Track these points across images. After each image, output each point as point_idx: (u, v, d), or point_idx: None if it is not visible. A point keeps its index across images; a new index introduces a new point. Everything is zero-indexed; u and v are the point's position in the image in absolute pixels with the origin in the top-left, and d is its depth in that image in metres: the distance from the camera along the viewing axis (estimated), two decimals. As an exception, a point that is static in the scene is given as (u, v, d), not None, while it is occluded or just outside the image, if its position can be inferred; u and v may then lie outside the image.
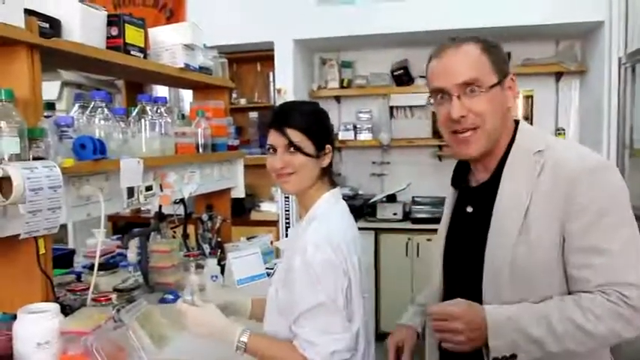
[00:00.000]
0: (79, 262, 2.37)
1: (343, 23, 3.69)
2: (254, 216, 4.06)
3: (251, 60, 4.30)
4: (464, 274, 1.23)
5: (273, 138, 1.38)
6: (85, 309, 1.52)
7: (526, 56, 3.87)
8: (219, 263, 2.21)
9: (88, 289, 1.63)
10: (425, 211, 3.80)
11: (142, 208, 4.24)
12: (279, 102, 3.86)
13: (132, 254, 1.97)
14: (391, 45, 4.08)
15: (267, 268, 2.32)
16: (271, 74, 4.24)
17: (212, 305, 1.38)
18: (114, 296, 1.55)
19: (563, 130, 3.86)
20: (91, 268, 1.96)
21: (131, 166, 1.69)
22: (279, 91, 3.84)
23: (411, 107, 4.09)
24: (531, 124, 3.70)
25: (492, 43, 1.17)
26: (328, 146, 1.40)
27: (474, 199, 1.24)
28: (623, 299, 1.04)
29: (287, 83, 3.85)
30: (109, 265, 1.87)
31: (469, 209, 1.25)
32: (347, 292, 1.28)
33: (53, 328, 1.37)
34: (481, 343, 1.10)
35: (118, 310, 1.52)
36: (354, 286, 1.31)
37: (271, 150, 1.40)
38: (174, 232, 2.41)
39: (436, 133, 4.01)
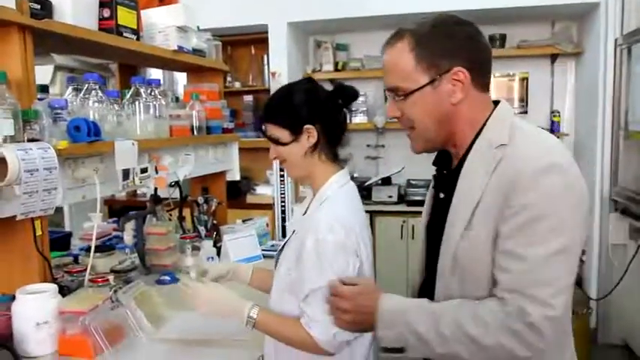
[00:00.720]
0: (75, 244, 2.38)
1: (338, 5, 3.67)
2: (250, 199, 4.07)
3: (245, 43, 4.27)
4: (433, 261, 1.19)
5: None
6: (82, 290, 1.53)
7: (522, 38, 3.86)
8: (215, 245, 2.23)
9: (85, 270, 1.64)
10: (420, 194, 3.82)
11: (138, 192, 4.26)
12: (273, 85, 3.85)
13: (128, 236, 1.99)
14: (386, 27, 4.00)
15: (262, 250, 2.34)
16: (266, 57, 4.22)
17: (218, 284, 1.41)
18: (111, 277, 1.56)
19: (559, 112, 3.87)
20: (88, 250, 1.97)
21: (126, 147, 1.69)
22: (273, 74, 3.83)
23: (406, 90, 4.08)
24: (526, 106, 3.76)
25: (426, 36, 1.06)
26: (307, 126, 1.38)
27: (446, 185, 1.18)
28: (522, 314, 0.95)
29: (281, 66, 3.84)
30: (106, 247, 1.88)
31: (441, 195, 1.20)
32: (358, 273, 1.29)
33: (52, 308, 1.39)
34: (369, 328, 1.12)
35: (115, 291, 1.54)
36: (366, 267, 1.31)
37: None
38: (170, 214, 2.42)
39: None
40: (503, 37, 3.89)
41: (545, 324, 0.94)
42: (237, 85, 4.32)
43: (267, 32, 3.87)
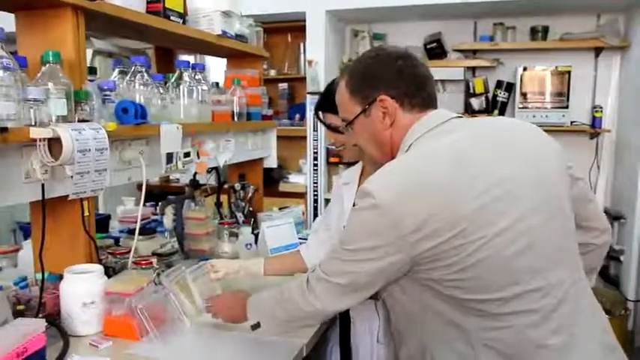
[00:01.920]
0: (114, 227, 2.41)
1: (377, -6, 3.62)
2: (282, 187, 4.07)
3: (282, 31, 4.25)
4: None
5: (321, 124, 1.65)
6: (127, 271, 1.54)
7: (565, 30, 3.74)
8: (252, 232, 2.22)
9: (128, 252, 1.66)
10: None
11: (171, 177, 4.30)
12: (309, 74, 3.83)
13: (168, 220, 2.00)
14: (424, 17, 3.99)
15: (299, 239, 2.33)
16: (302, 45, 4.19)
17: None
18: (154, 260, 1.57)
19: (601, 107, 3.75)
20: (128, 232, 1.99)
21: (171, 131, 1.69)
22: (309, 62, 3.80)
23: (443, 81, 4.01)
24: (567, 101, 3.65)
25: (359, 71, 1.20)
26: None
27: None
28: (310, 275, 1.17)
29: (318, 55, 3.80)
30: (148, 230, 1.89)
31: None
32: None
33: (99, 288, 1.40)
34: (237, 320, 1.37)
35: (158, 274, 1.55)
36: None
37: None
38: (204, 200, 2.42)
39: (468, 108, 3.94)
40: (545, 29, 3.78)
41: (317, 286, 1.14)
42: (273, 72, 4.30)
43: (304, 20, 3.84)
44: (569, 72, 3.62)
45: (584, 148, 3.83)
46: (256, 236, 2.23)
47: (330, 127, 1.59)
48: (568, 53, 3.74)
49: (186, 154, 1.84)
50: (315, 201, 3.97)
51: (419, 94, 1.15)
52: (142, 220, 2.24)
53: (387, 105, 1.15)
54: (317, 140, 3.90)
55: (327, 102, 1.57)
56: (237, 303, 1.37)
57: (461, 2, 3.53)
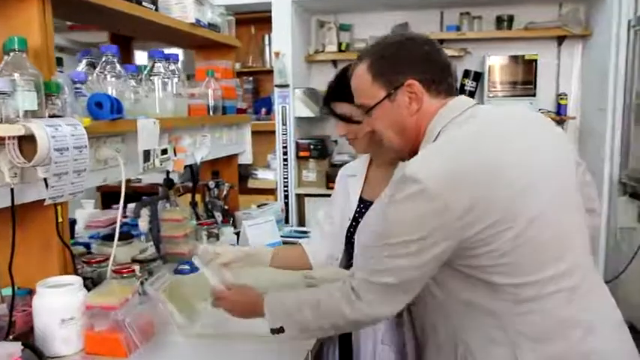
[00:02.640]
0: (78, 232, 2.24)
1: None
2: (251, 184, 3.95)
3: (245, 22, 4.09)
4: None
5: (331, 113, 1.54)
6: (107, 282, 1.40)
7: (529, 20, 3.77)
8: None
9: (105, 260, 1.52)
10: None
11: (132, 177, 4.09)
12: (276, 66, 3.71)
13: (143, 223, 1.85)
14: (391, 7, 3.93)
15: (281, 237, 2.23)
16: (267, 37, 4.07)
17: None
18: (137, 267, 1.43)
19: (565, 95, 3.81)
20: (102, 238, 1.84)
21: (148, 127, 1.56)
22: (276, 54, 3.67)
23: (411, 72, 3.98)
24: (534, 89, 3.69)
25: (384, 54, 1.15)
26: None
27: None
28: (351, 280, 1.09)
29: (285, 46, 3.68)
30: (125, 235, 1.74)
31: None
32: None
33: (78, 302, 1.26)
34: (250, 316, 1.27)
35: (142, 283, 1.42)
36: None
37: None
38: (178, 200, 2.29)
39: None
40: (511, 18, 3.80)
41: (363, 289, 1.06)
42: (237, 66, 4.15)
43: (269, 11, 3.71)
44: (535, 60, 3.66)
45: (550, 135, 3.88)
46: (237, 235, 2.12)
47: (342, 117, 1.50)
48: (532, 42, 3.77)
49: (164, 151, 1.71)
50: (286, 197, 3.86)
51: (445, 81, 1.14)
52: (112, 223, 2.09)
53: (415, 90, 1.11)
54: (286, 134, 3.80)
55: (338, 91, 1.50)
56: (249, 300, 1.27)
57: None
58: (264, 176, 3.93)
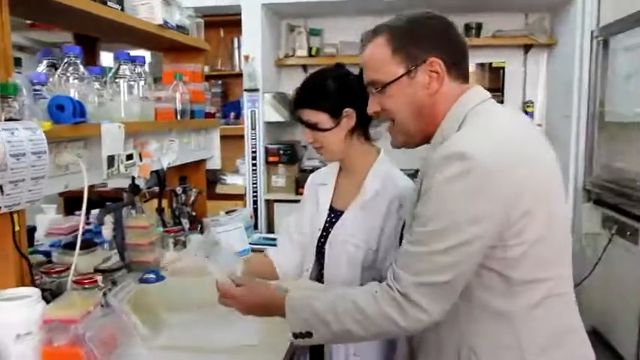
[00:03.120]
0: (38, 240, 2.15)
1: (315, -13, 3.52)
2: (220, 189, 3.88)
3: (214, 25, 4.03)
4: None
5: (297, 119, 1.52)
6: (67, 293, 1.34)
7: (497, 28, 3.84)
8: (201, 239, 2.05)
9: (66, 270, 1.45)
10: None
11: (96, 183, 3.97)
12: (245, 69, 3.66)
13: (107, 231, 1.79)
14: (361, 13, 3.94)
15: (250, 244, 2.19)
16: (236, 40, 4.02)
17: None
18: (99, 278, 1.37)
19: (532, 102, 3.88)
20: (62, 246, 1.76)
21: (113, 131, 1.50)
22: (246, 58, 3.63)
23: (381, 78, 3.99)
24: (502, 96, 3.75)
25: (405, 29, 1.09)
26: (347, 109, 1.46)
27: None
28: (396, 284, 1.00)
29: (255, 50, 3.64)
30: (86, 243, 1.67)
31: None
32: None
33: (36, 316, 1.19)
34: (263, 315, 1.21)
35: (105, 294, 1.36)
36: None
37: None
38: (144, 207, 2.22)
39: (406, 105, 3.95)
40: (479, 26, 3.85)
41: (415, 293, 0.98)
42: (206, 69, 4.08)
43: (239, 14, 3.66)
44: (503, 68, 3.72)
45: (516, 142, 3.95)
46: (205, 243, 2.06)
47: (309, 125, 1.48)
48: (500, 50, 3.83)
49: (129, 157, 1.65)
50: (255, 202, 3.81)
51: (463, 65, 1.12)
52: (73, 230, 2.01)
53: (437, 69, 1.06)
54: (255, 139, 3.75)
55: (305, 97, 1.49)
56: (263, 301, 1.20)
57: (394, -2, 3.51)
58: (233, 181, 3.88)
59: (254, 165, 3.77)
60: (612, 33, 3.13)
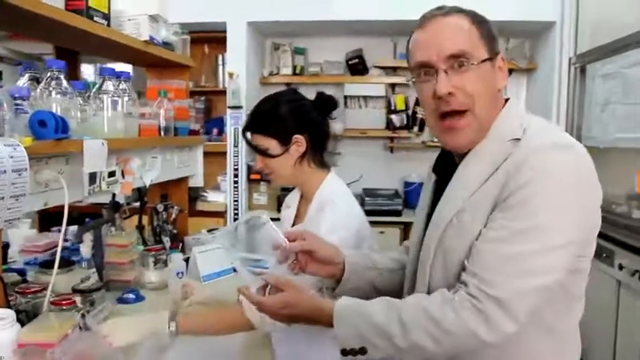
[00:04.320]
0: (12, 257, 2.08)
1: (299, 8, 3.54)
2: (200, 206, 3.83)
3: (199, 41, 4.01)
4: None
5: (247, 144, 1.51)
6: (44, 315, 1.29)
7: (478, 52, 3.91)
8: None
9: (43, 290, 1.40)
10: (378, 204, 3.74)
11: (76, 200, 3.89)
12: (230, 87, 3.65)
13: (86, 249, 1.74)
14: (345, 33, 3.98)
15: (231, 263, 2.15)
16: (220, 57, 4.01)
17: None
18: (78, 299, 1.33)
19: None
20: (39, 265, 1.71)
21: (95, 148, 1.47)
22: (230, 75, 3.62)
23: (365, 97, 4.01)
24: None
25: (482, 17, 1.04)
26: (296, 136, 1.45)
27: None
28: (484, 290, 0.88)
29: (239, 68, 3.64)
30: (65, 261, 1.62)
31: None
32: None
33: (10, 339, 1.15)
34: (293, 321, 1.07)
35: (83, 315, 1.32)
36: None
37: None
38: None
39: (389, 125, 3.98)
40: (461, 50, 3.92)
41: (516, 300, 0.87)
42: (190, 85, 4.05)
43: (222, 31, 3.66)
44: (484, 92, 3.77)
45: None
46: (186, 262, 2.02)
47: (258, 150, 1.47)
48: (482, 74, 3.90)
49: (111, 174, 1.62)
50: (236, 219, 3.77)
51: None
52: (50, 248, 1.96)
53: (503, 67, 1.04)
54: (237, 156, 3.73)
55: (257, 122, 1.48)
56: (301, 312, 1.05)
57: (380, 20, 3.55)
58: (214, 198, 3.83)
59: (236, 182, 3.74)
60: (589, 60, 3.21)
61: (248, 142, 1.51)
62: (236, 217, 3.74)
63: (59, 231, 2.20)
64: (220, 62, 4.04)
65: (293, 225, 1.58)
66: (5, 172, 1.01)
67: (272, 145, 1.45)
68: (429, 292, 1.01)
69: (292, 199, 1.66)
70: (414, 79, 1.05)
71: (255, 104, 1.56)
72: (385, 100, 4.00)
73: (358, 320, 0.96)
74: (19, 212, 1.08)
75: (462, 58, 0.97)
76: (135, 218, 2.24)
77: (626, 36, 2.67)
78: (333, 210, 1.40)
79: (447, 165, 1.11)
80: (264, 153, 1.47)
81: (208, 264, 2.01)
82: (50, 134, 1.29)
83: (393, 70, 4.01)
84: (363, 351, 0.95)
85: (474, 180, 0.98)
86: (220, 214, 3.76)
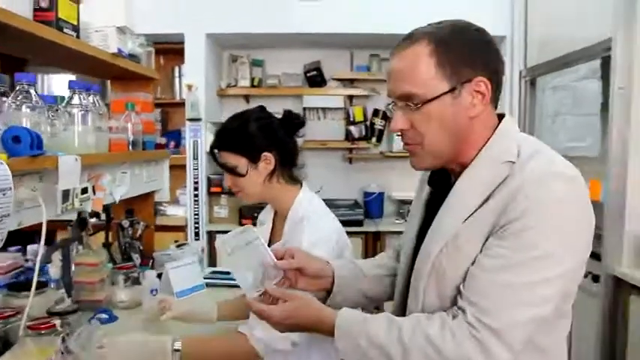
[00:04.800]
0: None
1: (259, 20, 3.55)
2: (159, 220, 3.72)
3: (155, 52, 3.96)
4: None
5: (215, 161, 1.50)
6: (22, 341, 1.23)
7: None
8: (154, 275, 1.96)
9: (15, 315, 1.33)
10: (340, 214, 3.73)
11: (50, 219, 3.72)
12: (189, 99, 3.60)
13: (55, 269, 1.67)
14: (303, 46, 4.01)
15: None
16: (177, 69, 3.95)
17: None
18: (57, 322, 1.27)
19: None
20: (7, 287, 1.62)
21: (70, 164, 1.42)
22: (189, 87, 3.58)
23: (324, 109, 4.05)
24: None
25: (451, 40, 0.96)
26: (265, 153, 1.45)
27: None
28: (481, 320, 0.89)
29: (198, 79, 3.60)
30: (38, 283, 1.53)
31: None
32: None
33: (-10, 368, 1.09)
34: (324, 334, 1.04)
35: (63, 340, 1.26)
36: None
37: None
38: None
39: (348, 136, 4.03)
40: (416, 63, 4.03)
41: (511, 331, 0.88)
42: (145, 96, 3.98)
43: (181, 42, 3.62)
44: (439, 103, 3.88)
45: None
46: (158, 278, 1.97)
47: (226, 168, 1.46)
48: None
49: (84, 190, 1.56)
50: (197, 234, 3.71)
51: (500, 87, 1.00)
52: (13, 269, 1.86)
53: (483, 90, 0.95)
54: (197, 169, 3.68)
55: (225, 139, 1.47)
56: (309, 322, 1.04)
57: (338, 33, 3.61)
58: (173, 212, 3.76)
59: (196, 196, 3.68)
60: (539, 73, 3.37)
61: (216, 160, 1.49)
62: (197, 230, 3.68)
63: (19, 251, 2.11)
64: (177, 74, 3.98)
65: (269, 242, 1.57)
66: (-10, 191, 0.96)
67: (241, 162, 1.45)
68: (422, 312, 1.01)
69: (266, 216, 1.65)
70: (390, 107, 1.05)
71: (216, 118, 1.55)
72: (344, 111, 4.06)
73: (359, 336, 0.97)
74: (2, 234, 1.03)
75: (408, 99, 0.97)
76: (99, 235, 2.16)
77: (572, 52, 2.84)
78: (310, 225, 1.40)
79: (440, 178, 1.13)
80: (232, 171, 1.46)
81: (181, 280, 1.95)
82: (25, 150, 1.24)
83: (350, 82, 4.08)
84: None
85: (469, 204, 0.98)
86: (180, 229, 3.68)
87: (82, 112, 1.60)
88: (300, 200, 1.49)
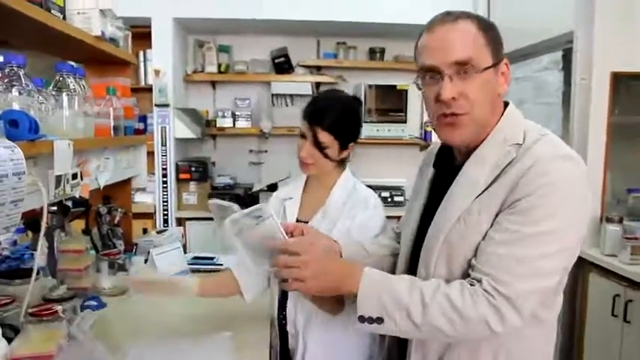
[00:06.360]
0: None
1: (227, 5, 3.52)
2: (127, 209, 3.67)
3: (118, 36, 3.85)
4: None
5: (305, 129, 1.51)
6: (27, 329, 1.21)
7: (397, 52, 4.10)
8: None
9: (12, 302, 1.31)
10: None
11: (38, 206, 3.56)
12: (156, 84, 3.54)
13: (42, 256, 1.63)
14: (270, 32, 4.00)
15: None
16: (142, 53, 3.86)
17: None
18: (59, 308, 1.26)
19: (431, 123, 4.19)
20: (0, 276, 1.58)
21: (64, 149, 1.40)
22: (157, 72, 3.51)
23: (291, 96, 4.07)
24: (405, 116, 4.00)
25: (489, 23, 1.08)
26: (351, 144, 1.56)
27: (451, 182, 1.15)
28: (497, 289, 0.96)
29: (165, 65, 3.54)
30: (26, 271, 1.51)
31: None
32: None
33: (1, 354, 1.07)
34: (327, 292, 1.08)
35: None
36: None
37: (301, 136, 1.54)
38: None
39: (316, 123, 4.06)
40: (382, 50, 4.11)
41: (522, 299, 0.96)
42: (109, 81, 3.87)
43: (146, 26, 3.54)
44: (406, 90, 3.98)
45: (416, 159, 4.23)
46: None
47: (318, 144, 1.48)
48: (403, 73, 4.09)
49: (74, 176, 1.54)
50: (166, 221, 3.67)
51: None
52: (-6, 258, 1.81)
53: (507, 72, 1.07)
54: (166, 156, 3.63)
55: (330, 120, 1.48)
56: (341, 268, 1.09)
57: (304, 20, 3.63)
58: (142, 199, 3.70)
59: (164, 182, 3.64)
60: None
61: (308, 129, 1.50)
62: (165, 217, 3.64)
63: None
64: (142, 59, 3.89)
65: (298, 215, 1.61)
66: (7, 176, 0.95)
67: (334, 145, 1.50)
68: None
69: (294, 190, 1.67)
70: (418, 81, 1.10)
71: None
72: (311, 98, 4.08)
73: (382, 292, 1.01)
74: (17, 218, 1.02)
75: (467, 65, 1.01)
76: (76, 223, 2.12)
77: (534, 44, 2.97)
78: (370, 207, 1.52)
79: (446, 161, 1.20)
80: (323, 149, 1.49)
81: (167, 265, 1.98)
82: (24, 135, 1.21)
83: (317, 69, 4.10)
84: (379, 320, 1.01)
85: (480, 181, 1.04)
86: (149, 215, 3.64)
87: (70, 96, 1.57)
88: (348, 175, 1.59)
